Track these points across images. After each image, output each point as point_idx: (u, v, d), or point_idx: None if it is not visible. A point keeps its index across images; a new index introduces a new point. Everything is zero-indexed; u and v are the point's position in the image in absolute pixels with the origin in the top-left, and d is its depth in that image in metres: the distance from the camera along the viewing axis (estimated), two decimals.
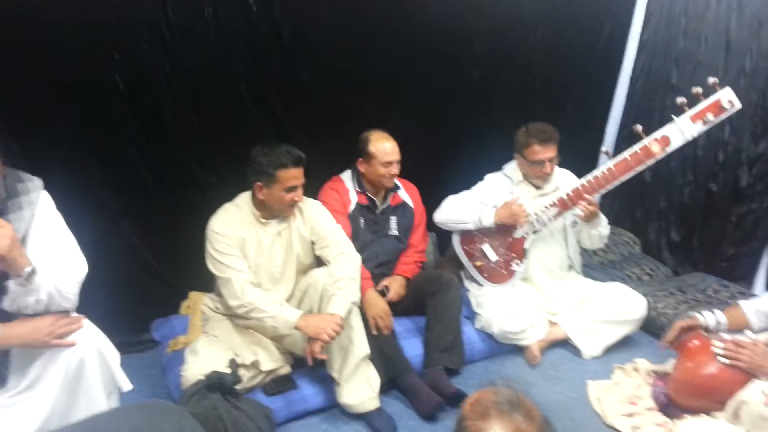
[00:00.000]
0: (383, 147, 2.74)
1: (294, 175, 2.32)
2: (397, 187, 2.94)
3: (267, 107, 2.87)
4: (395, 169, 2.78)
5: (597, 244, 2.99)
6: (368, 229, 2.87)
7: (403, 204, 2.97)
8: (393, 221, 2.93)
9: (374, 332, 2.59)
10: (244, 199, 2.43)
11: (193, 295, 2.83)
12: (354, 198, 2.84)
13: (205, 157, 2.79)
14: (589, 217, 2.80)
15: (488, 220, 2.87)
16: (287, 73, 2.85)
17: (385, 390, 2.53)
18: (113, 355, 1.82)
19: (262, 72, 2.79)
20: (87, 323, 1.78)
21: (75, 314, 1.77)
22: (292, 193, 2.34)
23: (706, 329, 2.50)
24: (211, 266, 2.34)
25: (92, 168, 2.56)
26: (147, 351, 2.79)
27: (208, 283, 2.54)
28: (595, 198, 2.86)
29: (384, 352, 2.56)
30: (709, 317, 2.49)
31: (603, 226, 2.91)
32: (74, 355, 1.69)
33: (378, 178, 2.79)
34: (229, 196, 2.45)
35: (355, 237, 2.76)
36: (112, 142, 2.58)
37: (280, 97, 2.88)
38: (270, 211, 2.41)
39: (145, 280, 2.81)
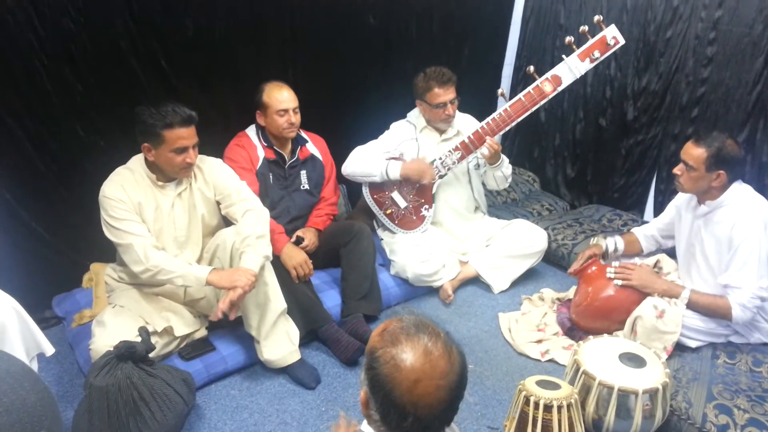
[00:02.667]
0: (277, 95, 2.65)
1: (182, 135, 2.16)
2: (304, 141, 2.88)
3: (152, 63, 2.69)
4: (293, 118, 2.69)
5: (502, 184, 3.10)
6: (278, 184, 2.80)
7: (312, 157, 2.91)
8: (303, 175, 2.88)
9: (296, 281, 2.59)
10: (137, 161, 2.29)
11: (95, 266, 2.70)
12: (261, 154, 2.75)
13: (89, 118, 2.60)
14: (494, 157, 2.89)
15: (394, 173, 2.91)
16: (170, 26, 2.68)
17: (305, 342, 2.55)
18: (32, 321, 1.78)
19: (142, 26, 2.60)
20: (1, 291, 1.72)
21: None
22: (183, 154, 2.19)
23: (606, 255, 2.72)
24: (109, 234, 2.20)
25: None
26: (51, 328, 2.64)
27: (109, 252, 2.41)
28: (495, 139, 2.95)
29: (302, 305, 2.56)
30: (610, 243, 2.72)
31: (506, 167, 3.01)
32: None
33: (277, 130, 2.70)
34: (121, 160, 2.31)
35: (264, 194, 2.70)
36: None
37: (166, 51, 2.70)
38: (165, 173, 2.28)
39: (41, 254, 2.63)
